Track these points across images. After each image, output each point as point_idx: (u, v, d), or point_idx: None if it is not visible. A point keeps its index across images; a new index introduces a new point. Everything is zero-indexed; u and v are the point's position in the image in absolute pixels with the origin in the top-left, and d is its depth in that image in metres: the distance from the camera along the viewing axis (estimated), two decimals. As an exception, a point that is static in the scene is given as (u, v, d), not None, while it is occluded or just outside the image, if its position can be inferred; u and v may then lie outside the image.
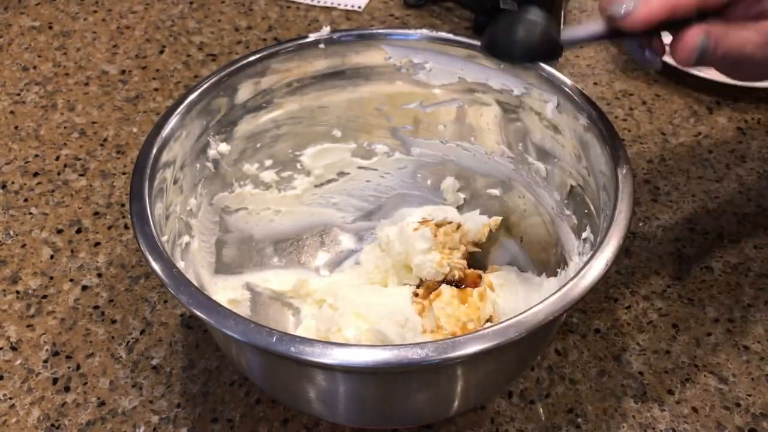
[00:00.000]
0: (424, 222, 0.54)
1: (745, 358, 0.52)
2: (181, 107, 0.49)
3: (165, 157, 0.47)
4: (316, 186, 0.59)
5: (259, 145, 0.56)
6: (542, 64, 0.50)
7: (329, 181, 0.60)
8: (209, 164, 0.52)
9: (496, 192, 0.58)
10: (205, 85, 0.51)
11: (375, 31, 0.55)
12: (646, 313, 0.55)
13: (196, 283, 0.42)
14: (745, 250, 0.60)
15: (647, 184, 0.65)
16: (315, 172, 0.59)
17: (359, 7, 0.87)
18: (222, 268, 0.53)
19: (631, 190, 0.43)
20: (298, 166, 0.58)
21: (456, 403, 0.44)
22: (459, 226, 0.55)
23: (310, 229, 0.60)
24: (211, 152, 0.52)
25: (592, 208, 0.47)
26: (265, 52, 0.53)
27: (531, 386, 0.51)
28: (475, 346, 0.35)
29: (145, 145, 0.46)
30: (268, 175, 0.57)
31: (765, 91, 0.74)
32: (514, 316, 0.36)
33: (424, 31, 0.54)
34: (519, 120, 0.53)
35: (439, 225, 0.54)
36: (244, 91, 0.53)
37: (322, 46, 0.54)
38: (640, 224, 0.62)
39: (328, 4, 0.88)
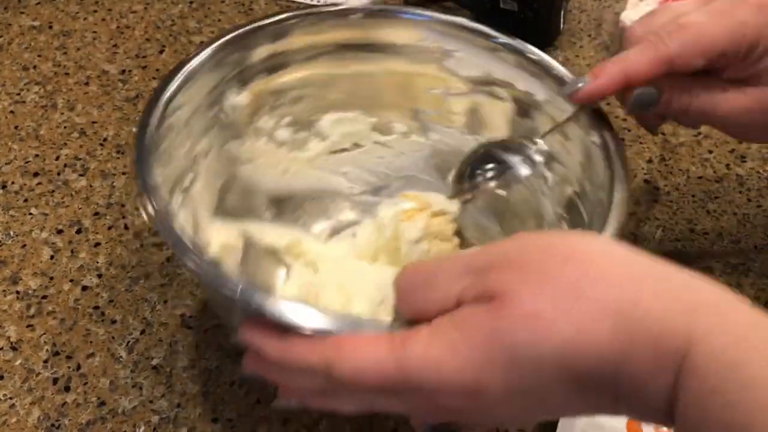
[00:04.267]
0: (421, 210, 0.54)
1: (745, 358, 0.52)
2: (201, 54, 0.49)
3: (180, 98, 0.47)
4: (329, 153, 0.59)
5: (279, 102, 0.55)
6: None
7: (343, 150, 0.59)
8: (224, 113, 0.52)
9: (501, 192, 0.57)
10: (229, 37, 0.50)
11: (410, 10, 0.55)
12: (646, 313, 0.55)
13: (191, 221, 0.42)
14: (745, 250, 0.60)
15: (647, 184, 0.65)
16: (331, 139, 0.58)
17: (359, 7, 0.87)
18: (222, 212, 0.53)
19: (623, 216, 0.42)
20: (315, 129, 0.58)
21: None
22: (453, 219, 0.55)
23: (315, 193, 0.59)
24: (228, 102, 0.52)
25: (585, 225, 0.47)
26: (299, 12, 0.53)
27: (531, 386, 0.51)
28: None
29: (160, 85, 0.47)
30: (284, 133, 0.56)
31: (765, 90, 0.74)
32: None
33: (463, 20, 0.54)
34: (532, 121, 0.53)
35: (435, 215, 0.55)
36: (268, 48, 0.53)
37: (359, 15, 0.54)
38: (640, 224, 0.62)
39: (328, 3, 0.88)
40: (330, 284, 0.50)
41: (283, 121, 0.56)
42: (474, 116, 0.57)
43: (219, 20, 0.86)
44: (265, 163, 0.56)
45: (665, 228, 0.61)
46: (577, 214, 0.49)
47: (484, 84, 0.55)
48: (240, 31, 0.51)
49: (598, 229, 0.42)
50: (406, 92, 0.57)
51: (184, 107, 0.48)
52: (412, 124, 0.59)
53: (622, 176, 0.44)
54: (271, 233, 0.56)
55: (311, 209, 0.59)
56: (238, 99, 0.52)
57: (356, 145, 0.59)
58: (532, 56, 0.52)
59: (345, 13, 0.54)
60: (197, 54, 0.49)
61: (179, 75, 0.47)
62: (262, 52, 0.52)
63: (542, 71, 0.52)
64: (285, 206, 0.58)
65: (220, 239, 0.51)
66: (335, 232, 0.59)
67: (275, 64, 0.53)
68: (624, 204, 0.43)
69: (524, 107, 0.53)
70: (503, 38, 0.53)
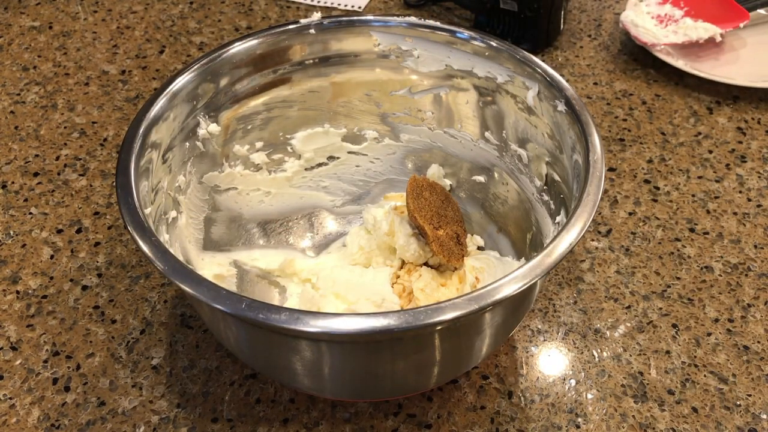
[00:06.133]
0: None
1: (745, 358, 0.52)
2: (170, 88, 0.49)
3: (153, 135, 0.47)
4: (306, 169, 0.60)
5: (249, 127, 0.56)
6: (527, 54, 0.51)
7: (319, 165, 0.61)
8: (199, 143, 0.53)
9: (481, 179, 0.58)
10: (195, 67, 0.51)
11: (364, 18, 0.56)
12: (646, 313, 0.55)
13: (182, 257, 0.42)
14: (745, 250, 0.60)
15: (647, 184, 0.65)
16: (305, 156, 0.60)
17: (359, 7, 0.87)
18: (210, 244, 0.54)
19: (600, 175, 0.43)
20: (289, 149, 0.59)
21: (435, 373, 0.45)
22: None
23: (299, 211, 0.61)
24: (201, 132, 0.53)
25: (567, 192, 0.48)
26: (254, 37, 0.54)
27: (530, 386, 0.51)
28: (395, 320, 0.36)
29: (133, 123, 0.47)
30: (259, 157, 0.57)
31: (765, 91, 0.74)
32: (474, 291, 0.37)
33: (413, 19, 0.55)
34: (496, 105, 0.54)
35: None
36: (234, 75, 0.53)
37: (312, 31, 0.55)
38: (640, 224, 0.62)
39: (328, 4, 0.88)
40: (329, 295, 0.50)
41: (257, 144, 0.57)
42: (441, 110, 0.58)
43: (219, 20, 0.86)
44: (245, 189, 0.57)
45: (665, 228, 0.61)
46: (555, 183, 0.50)
47: (446, 77, 0.56)
48: (204, 60, 0.52)
49: (581, 189, 0.42)
50: (371, 98, 0.58)
51: (159, 143, 0.48)
52: (382, 129, 0.60)
53: (593, 132, 0.45)
54: (262, 258, 0.57)
55: (297, 227, 0.60)
56: (211, 128, 0.53)
57: (332, 158, 0.60)
58: (487, 41, 0.53)
59: (301, 29, 0.55)
60: (164, 90, 0.49)
61: (147, 116, 0.47)
62: (225, 79, 0.53)
63: (498, 53, 0.52)
64: (271, 228, 0.59)
65: (212, 271, 0.52)
66: (324, 245, 0.60)
67: (241, 90, 0.54)
68: (600, 160, 0.43)
69: (486, 93, 0.55)
70: (457, 29, 0.54)
